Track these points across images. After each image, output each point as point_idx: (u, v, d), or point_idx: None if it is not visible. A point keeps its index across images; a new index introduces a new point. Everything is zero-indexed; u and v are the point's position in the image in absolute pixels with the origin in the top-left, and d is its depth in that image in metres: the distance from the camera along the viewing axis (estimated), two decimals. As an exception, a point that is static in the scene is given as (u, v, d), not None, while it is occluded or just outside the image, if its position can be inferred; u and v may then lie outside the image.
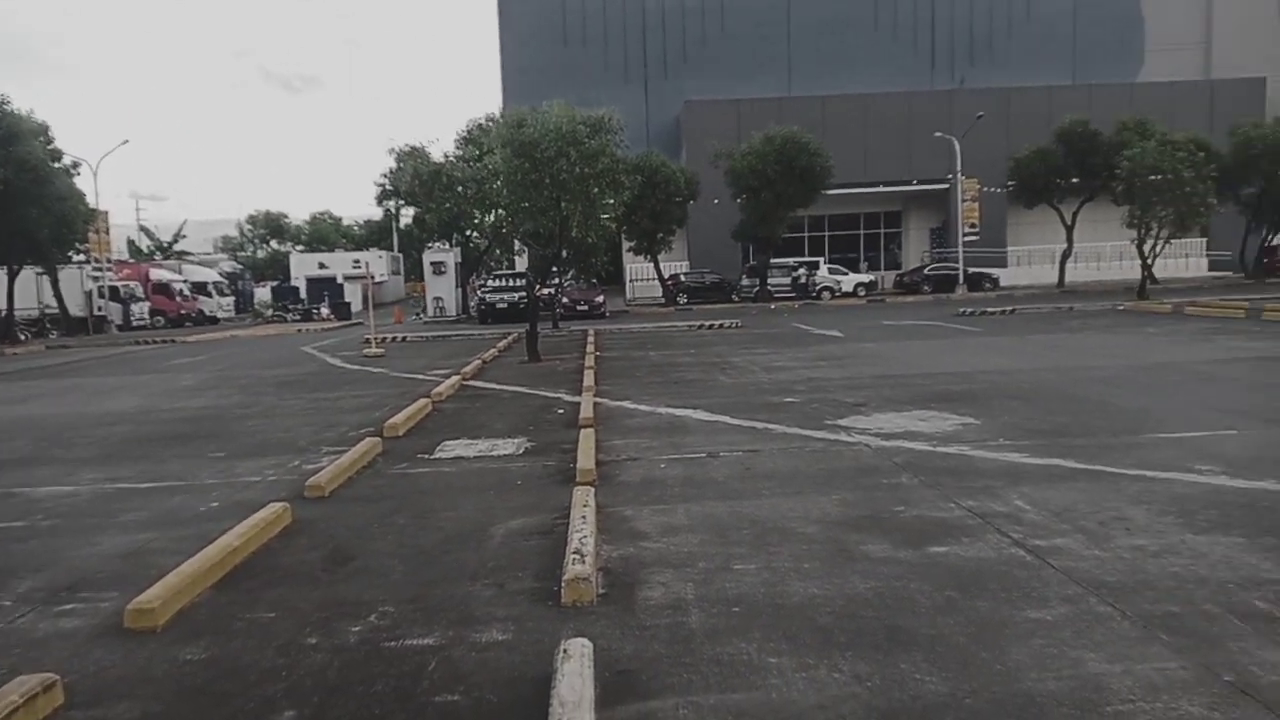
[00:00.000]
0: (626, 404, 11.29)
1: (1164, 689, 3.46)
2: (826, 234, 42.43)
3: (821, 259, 38.69)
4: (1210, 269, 39.28)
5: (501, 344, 20.89)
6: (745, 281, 35.71)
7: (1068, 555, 5.01)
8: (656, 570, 5.07)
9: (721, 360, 15.97)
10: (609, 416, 10.38)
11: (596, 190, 15.05)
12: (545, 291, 26.39)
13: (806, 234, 41.62)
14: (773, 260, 35.31)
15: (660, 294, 35.98)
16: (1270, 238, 35.75)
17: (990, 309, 25.65)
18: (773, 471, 7.34)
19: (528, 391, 12.96)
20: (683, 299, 35.03)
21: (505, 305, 29.43)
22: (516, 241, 29.71)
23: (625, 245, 36.04)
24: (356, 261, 44.73)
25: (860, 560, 5.10)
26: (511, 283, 31.01)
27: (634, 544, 5.58)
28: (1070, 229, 35.01)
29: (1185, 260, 38.60)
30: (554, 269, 25.68)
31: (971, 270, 35.83)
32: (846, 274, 37.22)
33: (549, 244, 17.90)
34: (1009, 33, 44.99)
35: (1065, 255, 35.76)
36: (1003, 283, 36.90)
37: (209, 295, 40.73)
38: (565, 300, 30.27)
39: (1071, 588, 4.54)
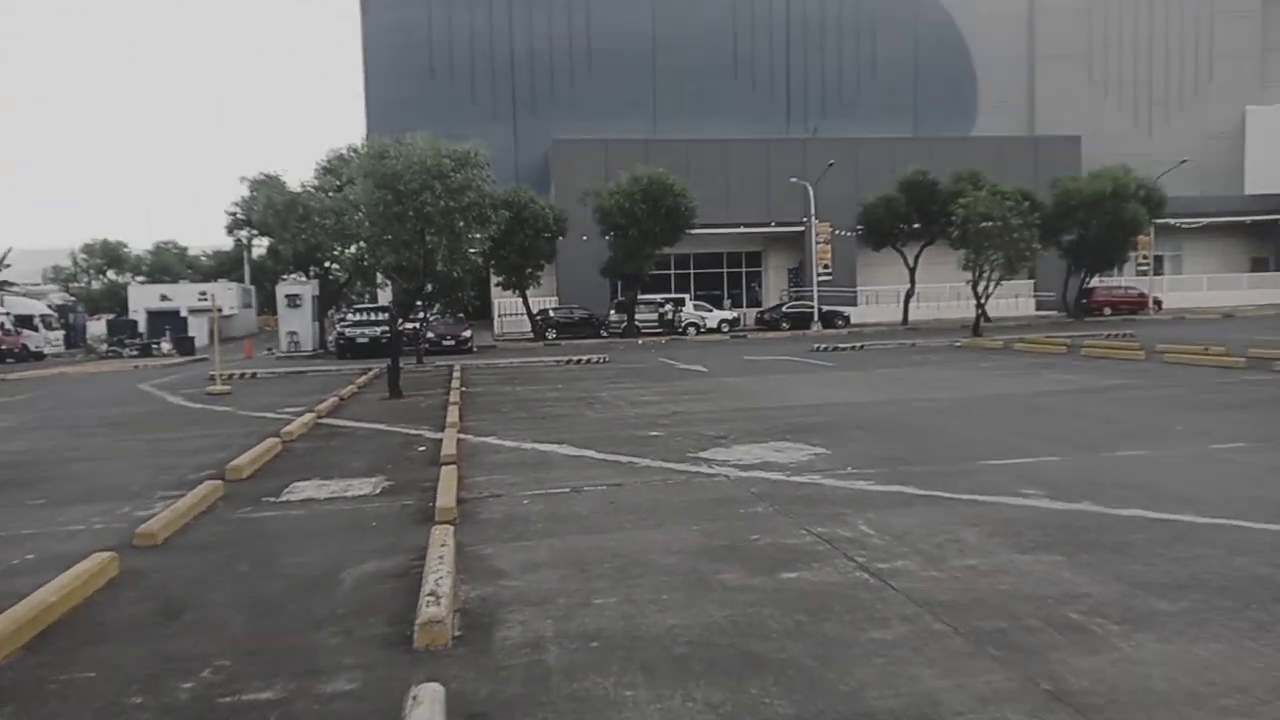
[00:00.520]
0: (491, 440, 11.13)
1: (991, 700, 3.70)
2: (692, 272, 43.54)
3: (687, 296, 39.65)
4: (1037, 308, 42.82)
5: (361, 380, 20.17)
6: (613, 317, 36.08)
7: (907, 577, 5.30)
8: (516, 609, 5.00)
9: (588, 395, 16.02)
10: (473, 453, 10.20)
11: (463, 224, 14.88)
12: (409, 326, 25.75)
13: (673, 271, 42.56)
14: (640, 296, 35.87)
15: (529, 329, 35.83)
16: (1088, 280, 39.41)
17: (842, 345, 26.96)
18: (636, 504, 7.40)
19: (387, 429, 12.56)
20: (551, 334, 35.00)
21: (366, 340, 28.48)
22: (379, 275, 28.87)
23: (493, 280, 35.75)
24: (203, 293, 42.26)
25: (717, 589, 5.20)
26: (373, 316, 30.08)
27: (494, 583, 5.48)
28: (913, 271, 37.39)
29: (1015, 300, 41.94)
30: (419, 303, 25.12)
31: (825, 308, 37.64)
32: (711, 311, 38.27)
33: (413, 278, 17.52)
34: (857, 87, 48.04)
35: (909, 295, 38.13)
36: (854, 320, 38.91)
37: (35, 329, 37.36)
38: (431, 335, 29.64)
39: (910, 608, 4.79)
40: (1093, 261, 37.25)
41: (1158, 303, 41.79)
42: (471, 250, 19.67)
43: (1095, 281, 39.91)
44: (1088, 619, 4.55)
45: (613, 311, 36.43)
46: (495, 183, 17.03)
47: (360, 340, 28.63)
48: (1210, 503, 6.77)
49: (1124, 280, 42.37)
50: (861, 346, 26.51)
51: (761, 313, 40.25)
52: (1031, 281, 42.16)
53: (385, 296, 36.66)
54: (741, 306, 42.72)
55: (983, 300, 30.39)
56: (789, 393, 15.22)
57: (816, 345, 27.16)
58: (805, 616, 4.71)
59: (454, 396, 15.55)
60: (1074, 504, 6.88)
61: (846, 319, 38.38)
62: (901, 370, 18.92)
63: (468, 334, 30.44)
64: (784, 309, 38.88)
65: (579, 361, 24.38)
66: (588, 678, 4.03)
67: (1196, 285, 46.43)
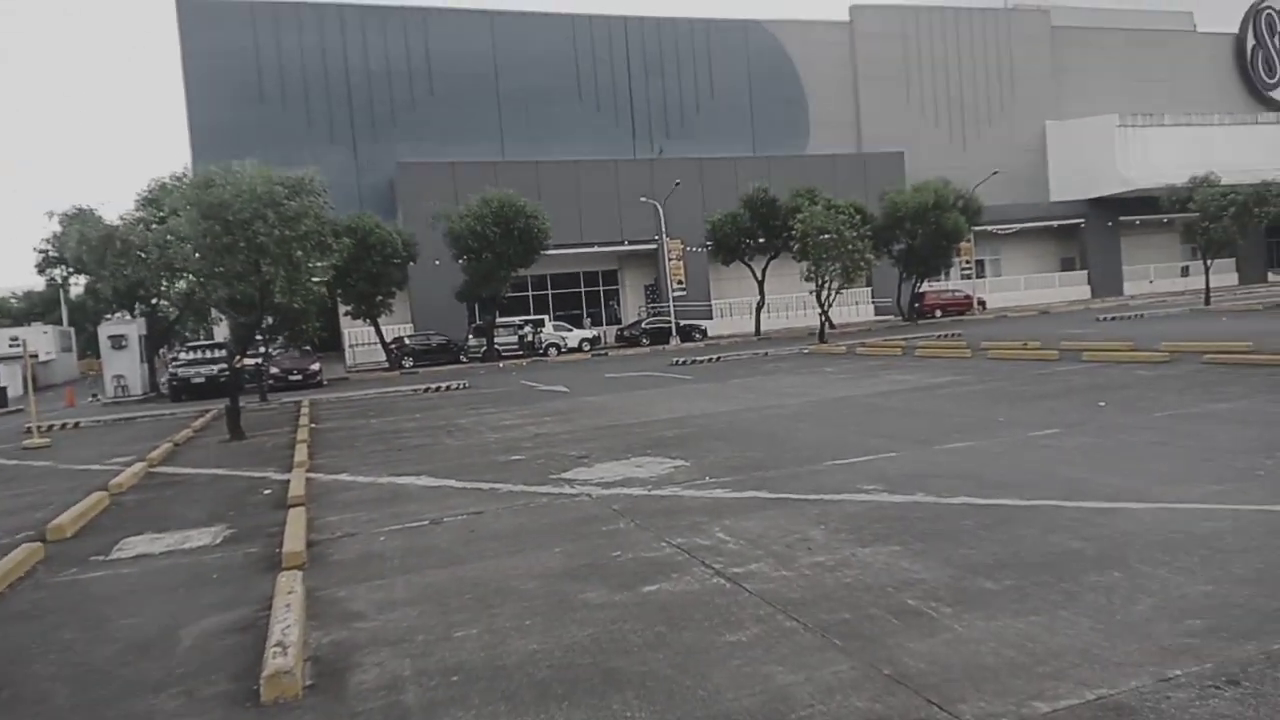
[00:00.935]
0: (344, 477, 10.72)
1: (838, 689, 3.90)
2: (550, 292, 43.51)
3: (547, 317, 39.58)
4: (876, 314, 45.41)
5: (198, 423, 18.94)
6: (472, 341, 35.51)
7: (760, 579, 5.50)
8: (372, 650, 4.84)
9: (448, 423, 15.71)
10: (324, 492, 9.79)
11: (300, 253, 14.27)
12: (251, 362, 24.40)
13: (530, 293, 42.40)
14: (499, 319, 35.52)
15: (384, 359, 34.71)
16: (919, 285, 42.18)
17: (699, 358, 27.66)
18: (497, 532, 7.32)
19: (229, 473, 11.85)
20: (408, 362, 34.04)
21: (202, 379, 26.74)
22: (213, 309, 27.17)
23: (342, 309, 34.43)
24: (14, 339, 38.43)
25: (579, 609, 5.22)
26: (209, 354, 28.31)
27: (348, 626, 5.29)
28: (761, 283, 38.85)
29: (856, 307, 44.36)
30: (259, 337, 23.88)
31: (683, 323, 38.52)
32: (571, 330, 38.34)
33: (250, 311, 16.64)
34: (697, 109, 49.53)
35: (759, 306, 39.59)
36: (711, 333, 40.00)
37: None
38: (275, 370, 28.17)
39: (764, 608, 4.98)
40: (922, 268, 39.86)
41: (982, 303, 45.25)
42: (315, 279, 18.94)
43: (925, 286, 42.74)
44: (923, 603, 4.87)
45: (471, 336, 35.86)
46: (334, 209, 16.46)
47: (195, 380, 26.87)
48: (1029, 486, 7.40)
49: (951, 284, 45.62)
50: (718, 358, 27.27)
51: (621, 330, 40.71)
52: (869, 289, 44.69)
53: (223, 332, 34.58)
54: (601, 325, 43.05)
55: (826, 308, 31.96)
56: (649, 408, 15.47)
57: (675, 359, 27.73)
58: (665, 627, 4.80)
59: (302, 434, 14.86)
60: (910, 496, 7.35)
61: (704, 332, 39.39)
62: (755, 379, 19.61)
63: (316, 367, 29.14)
64: (643, 325, 39.47)
65: (438, 389, 23.85)
66: (448, 712, 3.96)
67: (1015, 285, 50.62)
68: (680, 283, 39.94)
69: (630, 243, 41.59)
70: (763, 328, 39.76)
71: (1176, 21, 61.95)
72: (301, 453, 12.39)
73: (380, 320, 33.87)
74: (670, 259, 39.61)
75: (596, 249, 41.59)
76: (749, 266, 38.81)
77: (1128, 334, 22.83)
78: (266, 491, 10.21)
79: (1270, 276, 54.38)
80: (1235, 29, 62.52)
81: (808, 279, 31.46)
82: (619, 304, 45.32)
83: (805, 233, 30.56)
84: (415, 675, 4.43)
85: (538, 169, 40.27)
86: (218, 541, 7.82)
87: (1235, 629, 4.23)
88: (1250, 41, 62.38)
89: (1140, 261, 52.97)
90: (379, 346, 34.71)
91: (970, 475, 7.98)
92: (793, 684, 3.97)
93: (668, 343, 37.23)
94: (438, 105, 44.49)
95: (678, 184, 39.46)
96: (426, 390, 23.81)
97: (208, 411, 21.15)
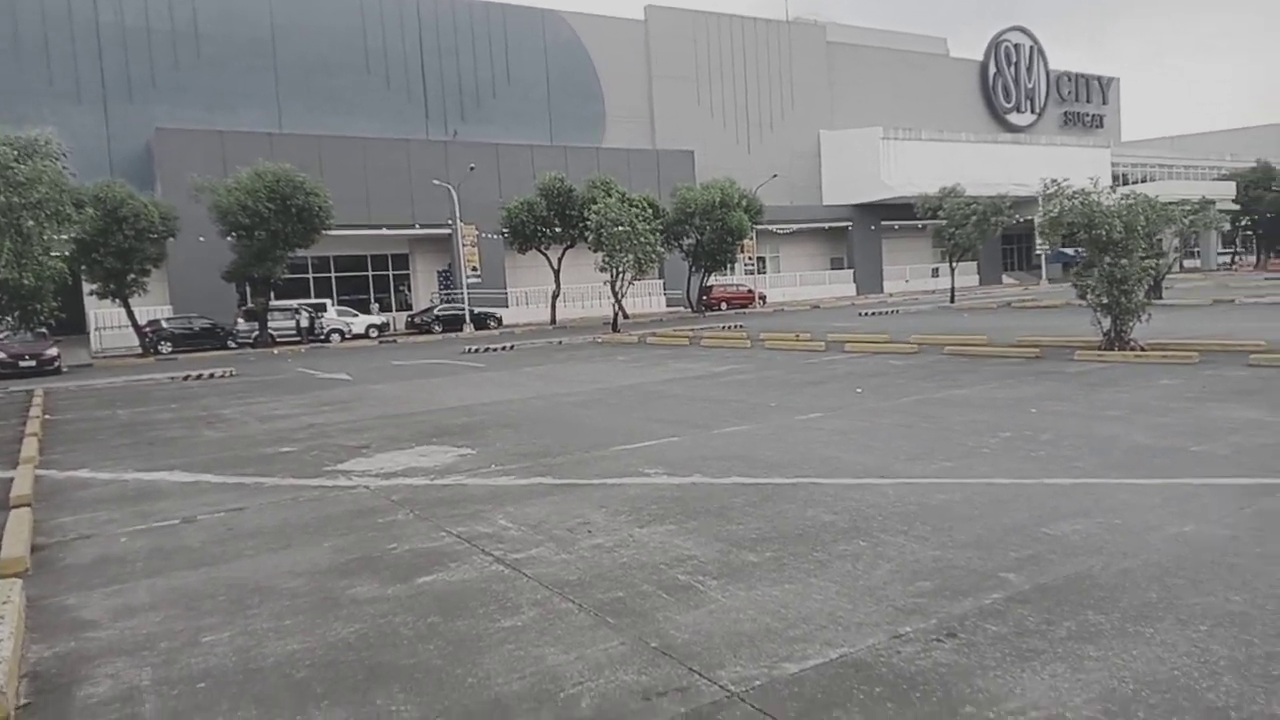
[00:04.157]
0: (82, 473, 9.59)
1: (607, 665, 3.98)
2: (333, 275, 41.20)
3: (329, 300, 37.49)
4: (668, 305, 46.99)
5: (-101, 416, 16.23)
6: (243, 326, 32.90)
7: (540, 563, 5.52)
8: (105, 661, 4.36)
9: (209, 413, 14.48)
10: (55, 491, 8.70)
11: (32, 223, 12.54)
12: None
13: (312, 275, 39.92)
14: (274, 302, 33.15)
15: (137, 343, 31.35)
16: (707, 279, 44.08)
17: (493, 346, 27.32)
18: (259, 528, 6.83)
19: (-64, 472, 10.23)
20: (166, 348, 30.98)
21: (-92, 365, 23.00)
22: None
23: (87, 288, 30.70)
24: None
25: (347, 605, 4.99)
26: (-83, 336, 24.35)
27: (77, 636, 4.73)
28: (557, 272, 38.98)
29: (649, 298, 45.69)
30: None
31: (477, 310, 37.88)
32: (357, 316, 36.59)
33: (-32, 287, 14.48)
34: (493, 93, 48.72)
35: (555, 295, 39.73)
36: (506, 321, 39.63)
37: None
38: (2, 355, 24.74)
39: (541, 592, 5.00)
40: (709, 262, 41.64)
41: (762, 297, 48.03)
42: (55, 254, 16.78)
43: (713, 280, 44.74)
44: (692, 578, 5.09)
45: (241, 320, 33.22)
46: (77, 176, 14.62)
47: (-101, 366, 23.06)
48: (792, 466, 7.94)
49: (735, 279, 48.06)
50: (512, 346, 27.06)
51: (412, 316, 39.39)
52: (662, 281, 46.16)
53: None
54: (391, 310, 41.39)
55: (620, 298, 32.62)
56: (437, 396, 15.07)
57: (468, 347, 27.19)
58: (439, 618, 4.69)
59: (33, 426, 13.12)
60: (687, 478, 7.66)
61: (499, 320, 38.96)
62: (548, 367, 19.65)
63: (53, 352, 25.82)
64: (435, 312, 38.40)
65: (200, 377, 21.91)
66: (192, 723, 3.64)
67: (792, 281, 54.21)
68: (475, 269, 39.23)
69: (422, 226, 40.27)
70: (559, 316, 39.93)
71: (932, 46, 68.85)
72: (30, 447, 10.96)
73: (133, 301, 30.59)
74: (465, 245, 38.80)
75: (386, 231, 39.93)
76: (545, 255, 38.81)
77: (884, 328, 25.13)
78: (-17, 492, 8.92)
79: (1005, 279, 61.91)
80: (981, 57, 70.49)
81: (602, 269, 31.97)
82: (410, 289, 43.78)
83: (600, 224, 31.02)
84: (155, 685, 4.04)
85: (320, 144, 37.99)
86: (-86, 551, 6.72)
87: (956, 588, 4.76)
88: (992, 69, 70.55)
89: (899, 262, 58.46)
90: (131, 330, 31.33)
91: (742, 456, 8.44)
92: (563, 664, 4.01)
93: (461, 330, 36.48)
94: (205, 68, 40.73)
95: (472, 168, 38.73)
96: (186, 378, 21.80)
97: (-89, 402, 18.16)
